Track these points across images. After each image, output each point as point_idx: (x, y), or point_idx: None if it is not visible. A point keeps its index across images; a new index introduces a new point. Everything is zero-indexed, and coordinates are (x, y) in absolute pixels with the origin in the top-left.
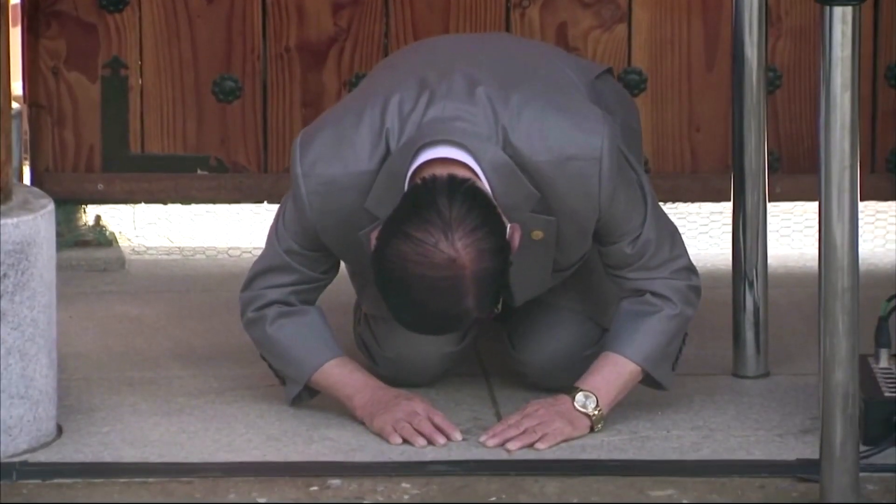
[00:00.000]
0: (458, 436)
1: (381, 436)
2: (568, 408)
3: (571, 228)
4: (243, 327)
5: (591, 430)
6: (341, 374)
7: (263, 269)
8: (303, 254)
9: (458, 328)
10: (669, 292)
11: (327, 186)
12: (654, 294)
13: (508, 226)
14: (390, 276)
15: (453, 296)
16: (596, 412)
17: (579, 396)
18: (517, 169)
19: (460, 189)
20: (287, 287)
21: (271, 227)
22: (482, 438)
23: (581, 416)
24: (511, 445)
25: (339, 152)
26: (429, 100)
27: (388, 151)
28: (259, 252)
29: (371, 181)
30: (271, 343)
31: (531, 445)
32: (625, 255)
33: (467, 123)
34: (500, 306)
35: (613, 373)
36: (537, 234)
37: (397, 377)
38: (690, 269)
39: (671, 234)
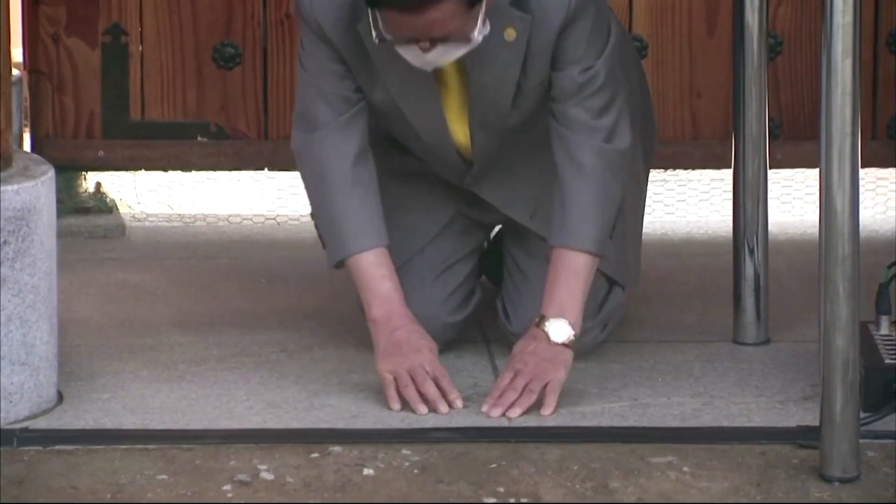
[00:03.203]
0: (459, 403)
1: (381, 385)
2: (548, 347)
3: (539, 38)
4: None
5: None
6: (372, 275)
7: (301, 109)
8: (328, 68)
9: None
10: (599, 161)
11: None
12: (584, 163)
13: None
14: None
15: None
16: (572, 337)
17: (552, 329)
18: None
19: None
20: (331, 123)
21: (299, 70)
22: (483, 409)
23: (562, 351)
24: (513, 413)
25: None
26: None
27: None
28: (259, 219)
29: None
30: (318, 202)
31: (536, 410)
32: (573, 82)
33: None
34: None
35: (572, 277)
36: (510, 34)
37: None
38: (623, 130)
39: (619, 87)
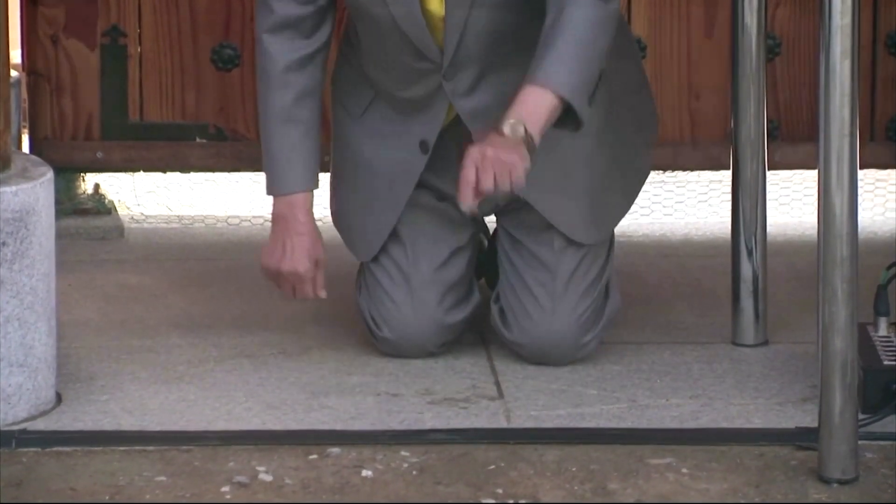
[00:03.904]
0: (322, 294)
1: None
2: (504, 141)
3: None
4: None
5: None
6: (289, 211)
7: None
8: None
9: None
10: (590, 12)
11: None
12: (574, 12)
13: None
14: None
15: None
16: (527, 138)
17: (507, 126)
18: None
19: None
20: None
21: None
22: (463, 206)
23: (518, 144)
24: (487, 184)
25: None
26: None
27: None
28: (258, 221)
29: None
30: (264, 132)
31: (509, 188)
32: None
33: None
34: None
35: (538, 104)
36: None
37: (396, 354)
38: None
39: None
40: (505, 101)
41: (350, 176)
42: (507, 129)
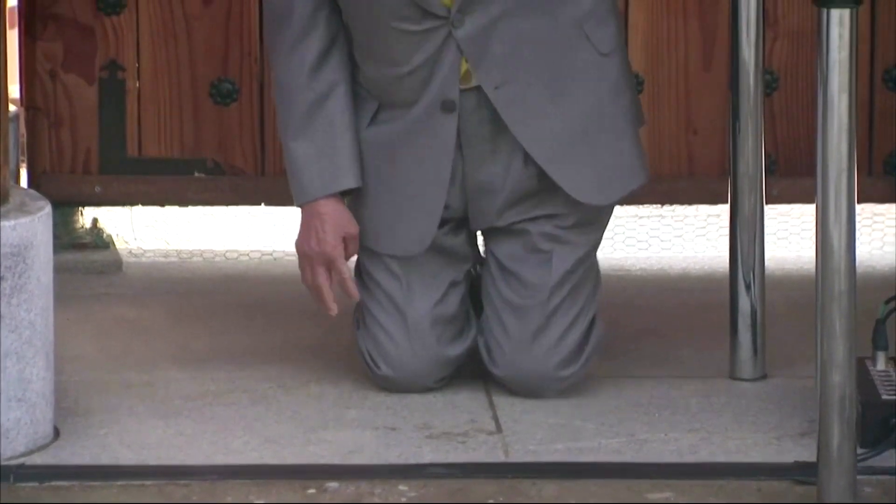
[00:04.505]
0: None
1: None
2: None
3: None
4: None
5: None
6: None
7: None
8: None
9: None
10: None
11: None
12: None
13: None
14: None
15: None
16: None
17: None
18: None
19: None
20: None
21: None
22: None
23: None
24: None
25: None
26: None
27: None
28: (256, 255)
29: None
30: (287, 150)
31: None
32: None
33: None
34: None
35: None
36: None
37: (395, 390)
38: None
39: None
40: (521, 44)
41: (374, 187)
42: None
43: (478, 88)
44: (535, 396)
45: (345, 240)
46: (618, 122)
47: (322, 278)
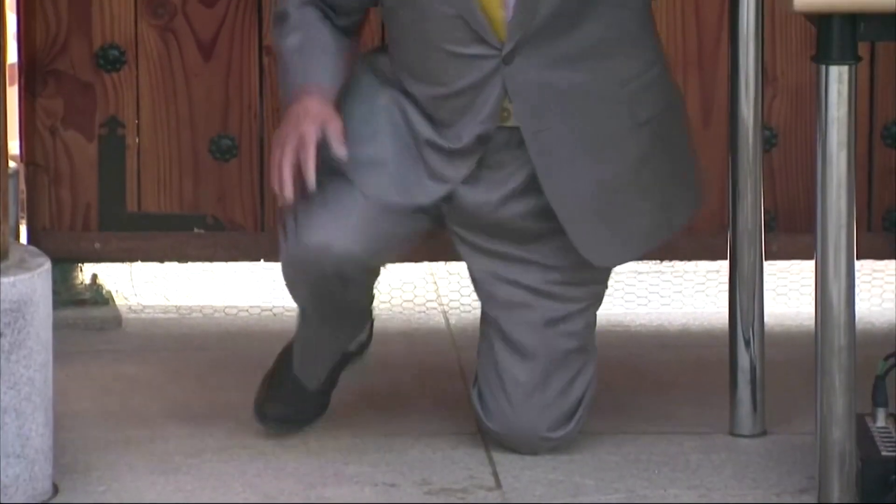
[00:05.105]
0: (310, 182)
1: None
2: None
3: None
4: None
5: None
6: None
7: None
8: None
9: None
10: None
11: None
12: None
13: None
14: None
15: None
16: None
17: None
18: None
19: None
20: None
21: None
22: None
23: None
24: None
25: None
26: None
27: None
28: (255, 311)
29: None
30: (280, 56)
31: None
32: None
33: None
34: None
35: None
36: None
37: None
38: None
39: None
40: (565, 96)
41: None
42: None
43: (512, 128)
44: (526, 453)
45: (323, 122)
46: (643, 189)
47: (288, 159)
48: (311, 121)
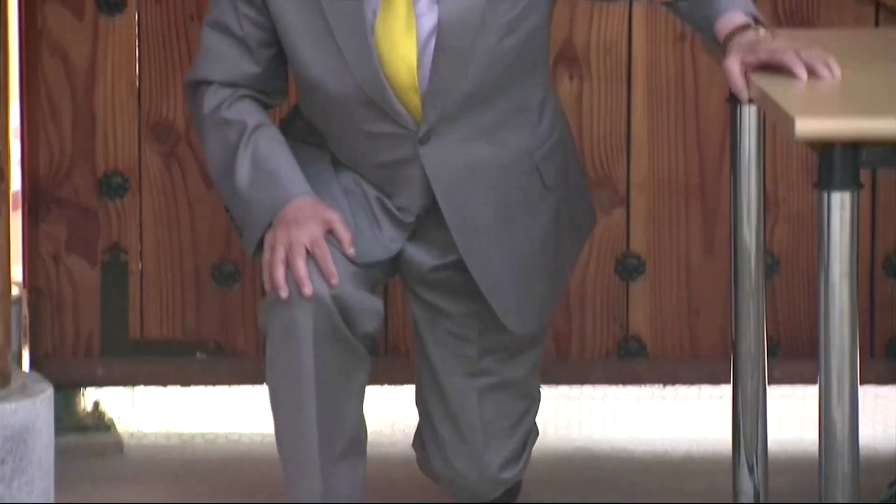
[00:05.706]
0: (334, 282)
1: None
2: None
3: None
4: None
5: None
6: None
7: (206, 47)
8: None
9: None
10: None
11: None
12: None
13: None
14: None
15: None
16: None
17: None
18: None
19: None
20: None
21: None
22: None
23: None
24: (824, 72)
25: None
26: None
27: None
28: (258, 436)
29: None
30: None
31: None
32: None
33: None
34: None
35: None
36: None
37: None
38: None
39: None
40: (479, 171)
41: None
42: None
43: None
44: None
45: (326, 223)
46: (555, 255)
47: (302, 258)
48: (314, 221)
